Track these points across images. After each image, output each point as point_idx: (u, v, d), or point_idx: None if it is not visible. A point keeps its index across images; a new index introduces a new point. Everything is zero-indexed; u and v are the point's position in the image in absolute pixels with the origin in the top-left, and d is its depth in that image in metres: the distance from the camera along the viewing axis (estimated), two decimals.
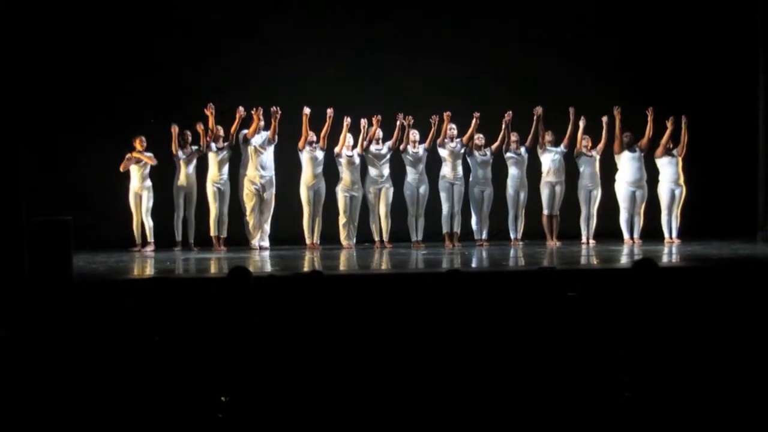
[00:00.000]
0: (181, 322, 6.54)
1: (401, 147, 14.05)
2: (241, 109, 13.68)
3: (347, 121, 13.81)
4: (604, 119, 14.30)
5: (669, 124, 14.26)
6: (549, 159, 14.40)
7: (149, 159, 13.68)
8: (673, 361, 5.76)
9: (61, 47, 14.21)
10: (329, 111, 13.74)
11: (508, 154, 14.35)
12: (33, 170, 12.90)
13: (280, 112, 13.69)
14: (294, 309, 6.41)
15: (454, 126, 14.15)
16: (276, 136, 13.80)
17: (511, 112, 14.20)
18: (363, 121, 13.88)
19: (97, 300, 8.25)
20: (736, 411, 5.48)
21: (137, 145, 13.61)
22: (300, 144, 13.84)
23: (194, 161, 13.89)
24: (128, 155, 13.65)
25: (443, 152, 14.18)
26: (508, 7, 15.63)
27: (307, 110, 13.77)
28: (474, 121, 14.09)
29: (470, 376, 5.73)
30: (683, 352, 5.84)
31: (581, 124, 14.27)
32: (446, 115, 14.06)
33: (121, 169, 13.68)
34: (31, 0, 13.46)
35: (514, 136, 14.30)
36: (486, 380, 5.71)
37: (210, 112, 13.70)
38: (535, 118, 14.24)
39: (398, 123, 13.97)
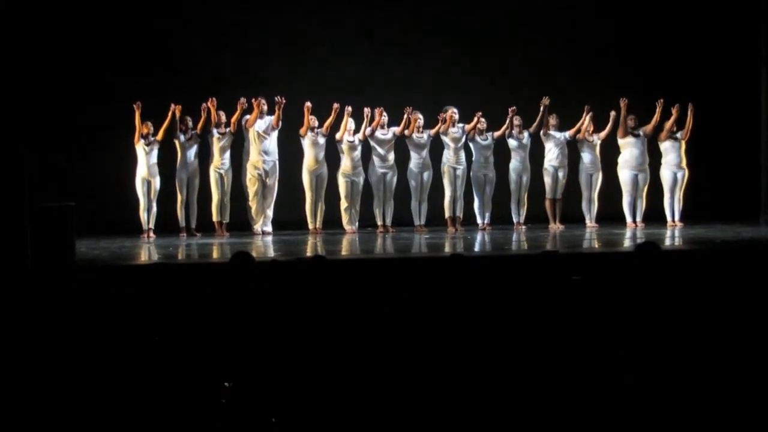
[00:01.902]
0: (184, 307, 6.54)
1: (407, 133, 14.03)
2: (242, 100, 13.68)
3: (348, 109, 13.79)
4: (612, 113, 14.27)
5: (674, 111, 14.23)
6: (552, 143, 14.39)
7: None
8: (676, 344, 5.76)
9: (65, 35, 14.21)
10: (336, 106, 13.73)
11: (511, 140, 14.34)
12: (36, 155, 12.97)
13: (284, 101, 13.68)
14: (297, 294, 6.41)
15: (455, 110, 14.12)
16: (280, 123, 13.79)
17: (515, 107, 14.20)
18: (366, 110, 13.86)
19: (100, 286, 8.25)
20: (741, 394, 5.49)
21: (143, 129, 13.53)
22: (302, 131, 13.84)
23: (195, 147, 13.85)
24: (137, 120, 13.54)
25: (445, 137, 14.16)
26: (511, 9, 15.65)
27: (308, 104, 13.77)
28: (475, 119, 14.08)
29: (474, 361, 5.74)
30: (687, 335, 5.84)
31: (588, 117, 14.25)
32: (449, 115, 14.03)
33: (135, 141, 13.58)
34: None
35: (516, 121, 14.29)
36: (490, 365, 5.71)
37: (212, 104, 13.67)
38: (541, 108, 14.20)
39: (405, 117, 13.96)
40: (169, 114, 13.55)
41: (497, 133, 14.30)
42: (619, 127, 14.31)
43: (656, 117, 14.28)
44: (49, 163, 13.80)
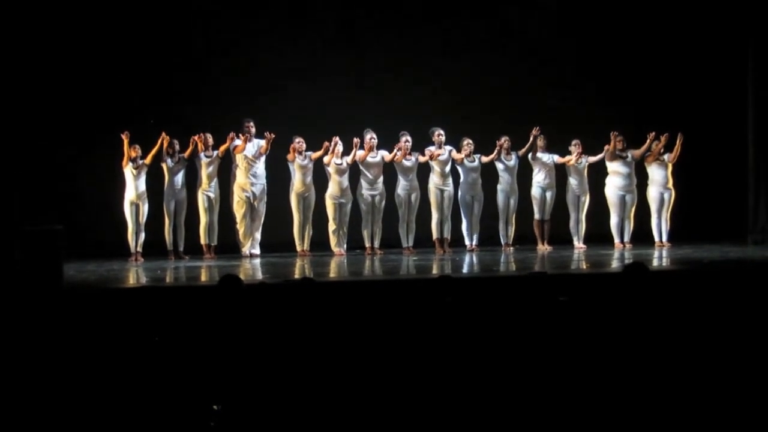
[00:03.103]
0: (172, 330, 6.53)
1: (396, 160, 14.04)
2: (232, 134, 13.73)
3: (336, 139, 13.82)
4: (606, 147, 14.34)
5: (663, 139, 14.28)
6: (540, 165, 14.43)
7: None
8: (664, 365, 5.77)
9: (54, 57, 14.20)
10: (325, 144, 13.80)
11: (498, 162, 14.36)
12: (25, 178, 12.96)
13: (273, 136, 13.73)
14: (285, 316, 6.40)
15: (442, 132, 14.15)
16: (268, 150, 13.83)
17: (503, 141, 14.25)
18: (356, 140, 13.88)
19: (88, 309, 8.23)
20: (729, 412, 5.49)
21: (132, 152, 13.52)
22: (289, 156, 13.87)
23: (183, 170, 13.85)
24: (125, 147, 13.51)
25: (431, 160, 14.17)
26: (499, 32, 15.69)
27: (293, 146, 13.85)
28: (462, 153, 14.12)
29: (462, 382, 5.73)
30: (675, 355, 5.85)
31: (576, 156, 14.32)
32: (437, 153, 14.08)
33: (123, 165, 13.57)
34: (29, 10, 13.57)
35: (505, 143, 14.32)
36: (478, 386, 5.71)
37: (200, 140, 13.70)
38: (531, 138, 14.22)
39: (395, 152, 13.98)
40: (159, 141, 13.57)
41: (485, 159, 14.32)
42: (608, 153, 14.37)
43: (646, 146, 14.33)
44: (38, 186, 13.78)
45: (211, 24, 15.01)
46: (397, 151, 13.96)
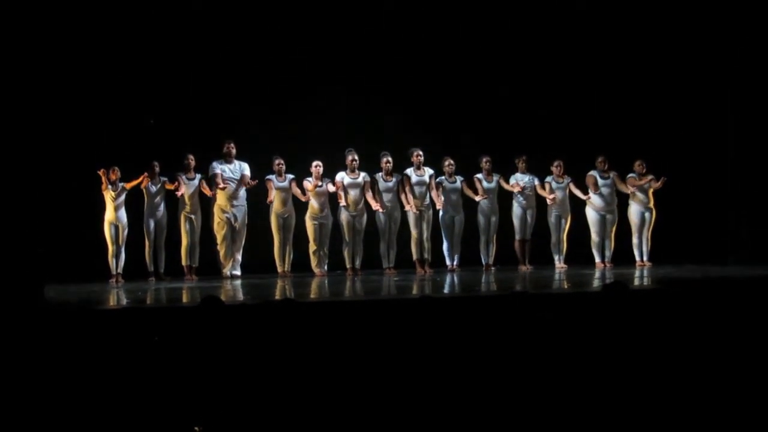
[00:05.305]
0: (153, 352, 6.51)
1: (378, 210, 14.08)
2: (217, 180, 13.75)
3: (316, 164, 13.86)
4: (590, 184, 14.45)
5: (645, 179, 14.36)
6: (521, 184, 14.47)
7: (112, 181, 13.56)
8: (646, 384, 5.78)
9: (36, 77, 14.15)
10: (308, 193, 13.86)
11: (479, 184, 14.40)
12: (5, 200, 12.89)
13: (255, 182, 13.88)
14: (266, 337, 6.39)
15: (421, 153, 14.17)
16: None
17: (487, 196, 14.34)
18: (338, 182, 13.96)
19: (69, 331, 8.20)
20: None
21: (111, 175, 13.49)
22: (269, 198, 13.90)
23: (163, 192, 13.84)
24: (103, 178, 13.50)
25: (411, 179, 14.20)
26: (481, 51, 15.73)
27: (270, 199, 13.89)
28: (438, 198, 14.15)
29: (444, 402, 5.73)
30: (656, 374, 5.86)
31: (549, 198, 14.44)
32: (411, 203, 14.14)
33: (103, 189, 13.52)
34: (15, 39, 13.57)
35: (486, 165, 14.39)
36: (460, 406, 5.71)
37: (181, 189, 13.73)
38: (517, 190, 14.37)
39: (373, 206, 14.06)
40: (140, 178, 13.56)
41: (468, 191, 14.37)
42: (591, 182, 14.46)
43: (632, 187, 14.40)
44: (18, 208, 13.70)
45: (192, 47, 14.97)
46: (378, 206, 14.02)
